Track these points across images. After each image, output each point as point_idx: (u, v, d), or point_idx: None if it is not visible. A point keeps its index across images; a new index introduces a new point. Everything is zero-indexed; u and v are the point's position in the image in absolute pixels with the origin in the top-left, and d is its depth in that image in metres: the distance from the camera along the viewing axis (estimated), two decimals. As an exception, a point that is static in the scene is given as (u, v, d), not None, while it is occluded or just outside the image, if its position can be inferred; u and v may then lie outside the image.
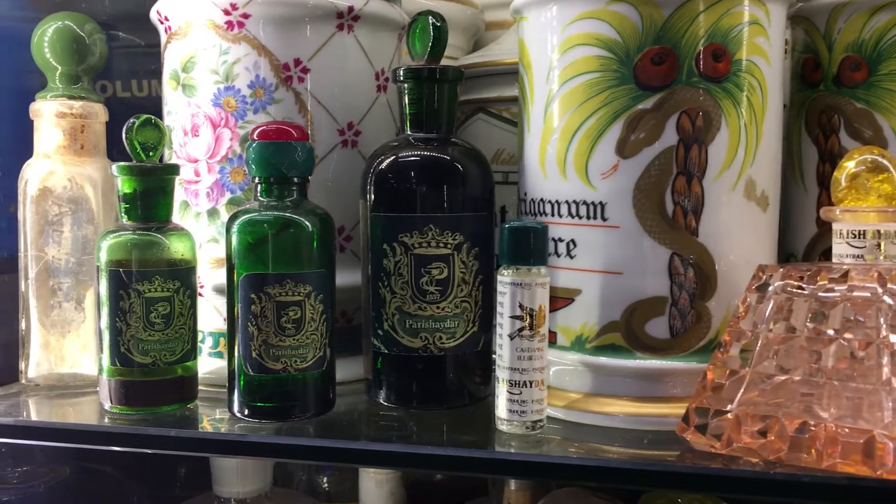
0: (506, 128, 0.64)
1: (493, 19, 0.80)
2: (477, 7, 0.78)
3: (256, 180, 0.49)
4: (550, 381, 0.50)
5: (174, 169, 0.52)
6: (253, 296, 0.48)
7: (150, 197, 0.51)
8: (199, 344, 0.57)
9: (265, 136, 0.49)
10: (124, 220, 0.51)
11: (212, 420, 0.50)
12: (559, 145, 0.48)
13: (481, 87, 0.66)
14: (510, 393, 0.46)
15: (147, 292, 0.50)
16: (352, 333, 0.57)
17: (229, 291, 0.49)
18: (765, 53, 0.47)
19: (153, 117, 0.51)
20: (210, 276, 0.56)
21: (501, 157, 0.65)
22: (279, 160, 0.48)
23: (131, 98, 0.76)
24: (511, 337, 0.46)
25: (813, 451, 0.40)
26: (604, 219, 0.47)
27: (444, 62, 0.69)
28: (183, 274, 0.51)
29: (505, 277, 0.46)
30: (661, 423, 0.46)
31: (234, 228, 0.48)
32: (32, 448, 0.73)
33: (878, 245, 0.42)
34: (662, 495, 0.63)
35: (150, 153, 0.51)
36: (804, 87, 0.53)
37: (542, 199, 0.50)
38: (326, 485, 0.82)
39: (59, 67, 0.59)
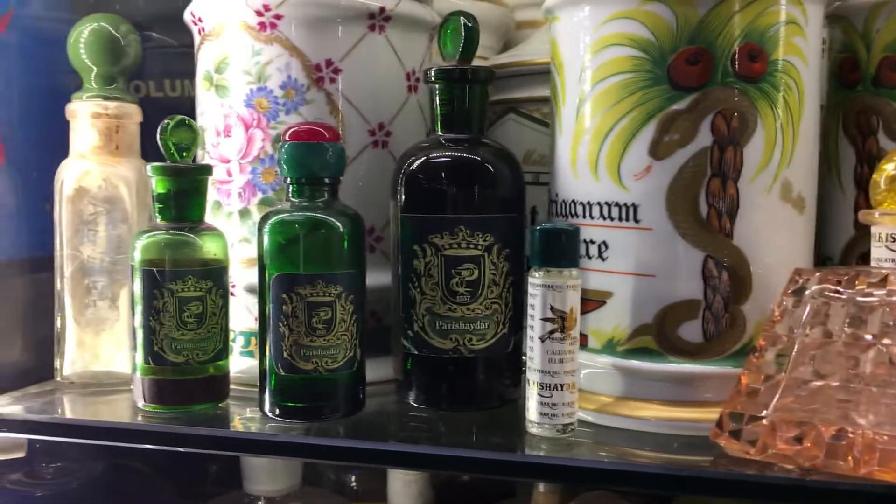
0: (536, 128, 0.64)
1: (524, 19, 0.79)
2: (507, 6, 0.78)
3: (288, 181, 0.49)
4: (581, 384, 0.50)
5: (207, 169, 0.53)
6: (284, 296, 0.48)
7: (184, 197, 0.51)
8: (230, 343, 0.58)
9: (297, 137, 0.49)
10: (158, 219, 0.52)
11: (243, 419, 0.51)
12: (591, 146, 0.48)
13: (512, 88, 0.65)
14: (541, 395, 0.46)
15: (180, 292, 0.50)
16: (382, 334, 0.57)
17: (261, 292, 0.49)
18: (802, 53, 0.46)
19: (187, 118, 0.52)
20: (241, 275, 0.56)
21: (532, 157, 0.64)
22: (310, 161, 0.49)
23: (164, 98, 0.77)
24: (542, 339, 0.45)
25: (850, 458, 0.40)
26: (636, 220, 0.47)
27: (474, 62, 0.70)
28: (215, 273, 0.51)
29: (536, 279, 0.46)
30: (693, 428, 0.46)
31: (266, 229, 0.49)
32: (67, 444, 0.74)
33: (919, 249, 0.41)
34: (694, 501, 0.62)
35: (184, 153, 0.52)
36: (842, 88, 0.52)
37: (573, 201, 0.49)
38: (355, 483, 0.82)
39: (95, 68, 0.59)
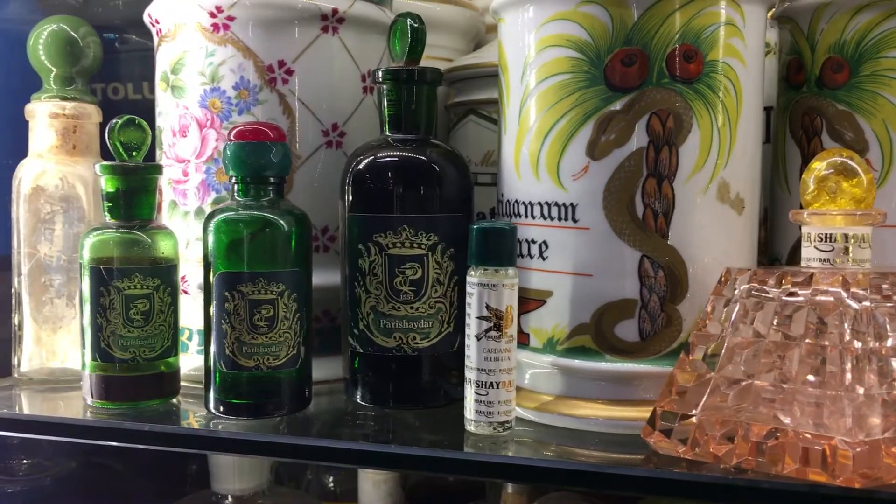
0: (496, 129, 0.64)
1: (494, 22, 0.80)
2: (477, 10, 0.78)
3: (233, 180, 0.50)
4: (525, 382, 0.50)
5: (156, 169, 0.53)
6: (227, 294, 0.48)
7: (133, 196, 0.52)
8: (185, 341, 0.58)
9: (241, 137, 0.49)
10: (107, 218, 0.52)
11: (189, 416, 0.51)
12: (532, 146, 0.48)
13: (473, 89, 0.66)
14: (477, 394, 0.46)
15: (127, 289, 0.51)
16: (336, 333, 0.57)
17: (206, 290, 0.50)
18: (739, 55, 0.46)
19: (136, 118, 0.52)
20: (197, 274, 0.57)
21: (492, 158, 0.65)
22: (255, 160, 0.49)
23: (142, 100, 0.78)
24: (478, 338, 0.46)
25: (776, 457, 0.40)
26: (574, 220, 0.47)
27: (441, 65, 0.70)
28: (163, 272, 0.52)
29: (473, 278, 0.46)
30: (632, 427, 0.46)
31: (211, 227, 0.49)
32: (40, 441, 0.75)
33: (846, 249, 0.41)
34: (661, 502, 0.62)
35: (134, 153, 0.52)
36: (789, 89, 0.53)
37: (516, 201, 0.50)
38: (332, 484, 0.82)
39: (54, 69, 0.60)
